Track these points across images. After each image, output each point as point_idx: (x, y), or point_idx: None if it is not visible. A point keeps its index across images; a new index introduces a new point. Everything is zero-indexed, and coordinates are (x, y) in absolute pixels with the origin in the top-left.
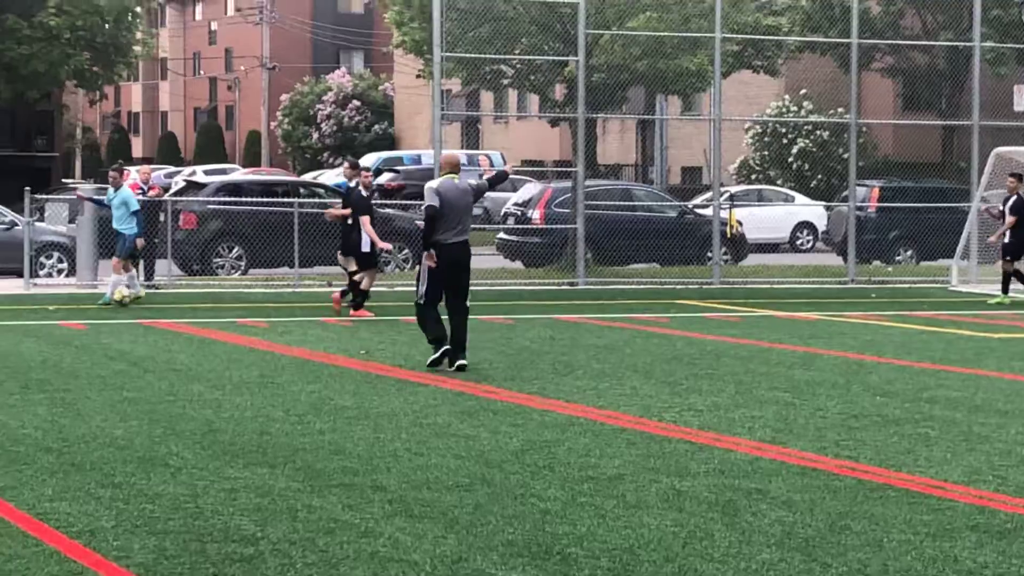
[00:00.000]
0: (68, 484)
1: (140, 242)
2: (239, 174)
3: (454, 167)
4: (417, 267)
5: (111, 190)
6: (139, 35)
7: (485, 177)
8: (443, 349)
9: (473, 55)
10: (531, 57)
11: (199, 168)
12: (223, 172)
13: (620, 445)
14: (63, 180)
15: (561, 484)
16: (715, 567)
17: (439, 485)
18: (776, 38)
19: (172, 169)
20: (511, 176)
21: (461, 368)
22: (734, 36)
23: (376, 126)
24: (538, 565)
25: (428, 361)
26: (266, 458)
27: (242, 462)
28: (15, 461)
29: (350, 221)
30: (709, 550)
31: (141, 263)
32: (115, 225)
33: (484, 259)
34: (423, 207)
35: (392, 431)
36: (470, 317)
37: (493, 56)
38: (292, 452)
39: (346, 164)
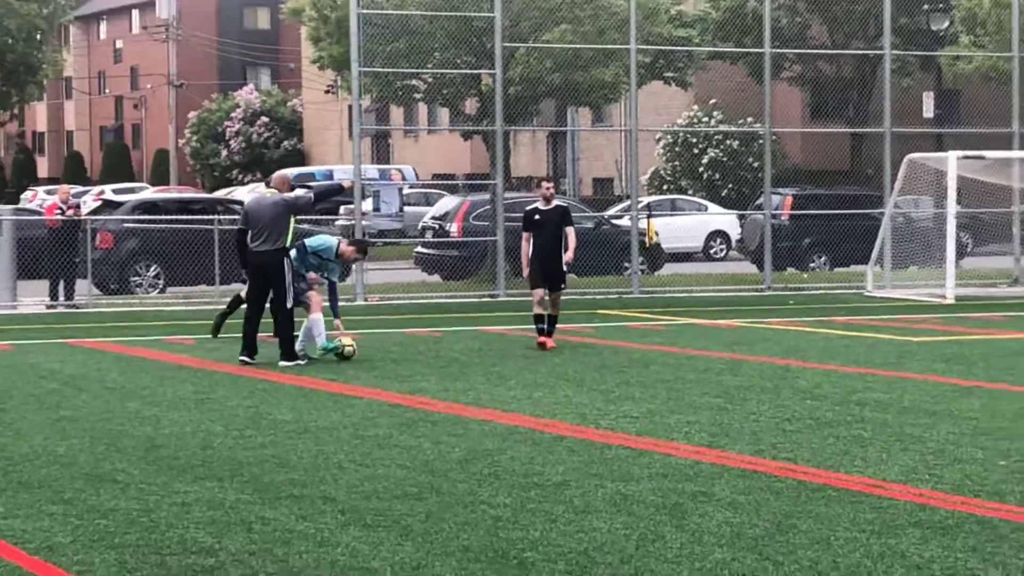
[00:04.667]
0: (18, 501)
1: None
2: (150, 192)
3: (275, 184)
4: None
5: None
6: (49, 54)
7: (314, 190)
8: (245, 349)
9: (391, 69)
10: (448, 71)
11: (107, 187)
12: (131, 191)
13: (561, 452)
14: None
15: (508, 491)
16: (670, 567)
17: (388, 495)
18: (689, 48)
19: (80, 188)
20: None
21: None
22: (649, 47)
23: (285, 142)
24: (497, 570)
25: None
26: (212, 472)
27: (189, 476)
28: None
29: None
30: (662, 551)
31: (61, 283)
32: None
33: (402, 273)
34: None
35: (334, 444)
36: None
37: (411, 71)
38: (237, 466)
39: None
